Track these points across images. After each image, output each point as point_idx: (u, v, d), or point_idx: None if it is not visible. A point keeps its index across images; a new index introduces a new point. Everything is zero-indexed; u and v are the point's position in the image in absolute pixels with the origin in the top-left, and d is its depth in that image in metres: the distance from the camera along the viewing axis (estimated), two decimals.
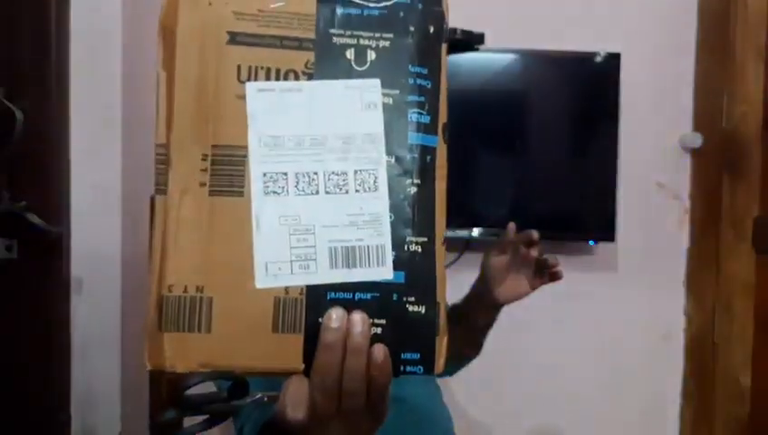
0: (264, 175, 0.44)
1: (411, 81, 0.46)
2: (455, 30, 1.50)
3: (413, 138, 0.46)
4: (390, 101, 0.45)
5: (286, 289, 0.43)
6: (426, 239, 0.45)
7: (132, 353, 1.27)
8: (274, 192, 0.44)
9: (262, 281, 0.43)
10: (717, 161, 1.68)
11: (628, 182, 1.61)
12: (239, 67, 0.45)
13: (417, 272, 0.45)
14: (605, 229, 1.57)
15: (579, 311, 1.69)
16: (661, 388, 1.73)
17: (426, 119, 0.46)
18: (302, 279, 0.43)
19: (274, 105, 0.44)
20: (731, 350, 1.68)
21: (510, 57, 1.57)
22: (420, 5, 0.47)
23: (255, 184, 0.44)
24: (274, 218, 0.44)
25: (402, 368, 0.47)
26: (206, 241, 0.44)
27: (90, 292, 1.24)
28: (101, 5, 1.24)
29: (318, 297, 0.44)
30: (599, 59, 1.57)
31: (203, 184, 0.44)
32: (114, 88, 1.25)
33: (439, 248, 0.46)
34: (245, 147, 0.44)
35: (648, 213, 1.67)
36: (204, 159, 0.44)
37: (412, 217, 0.45)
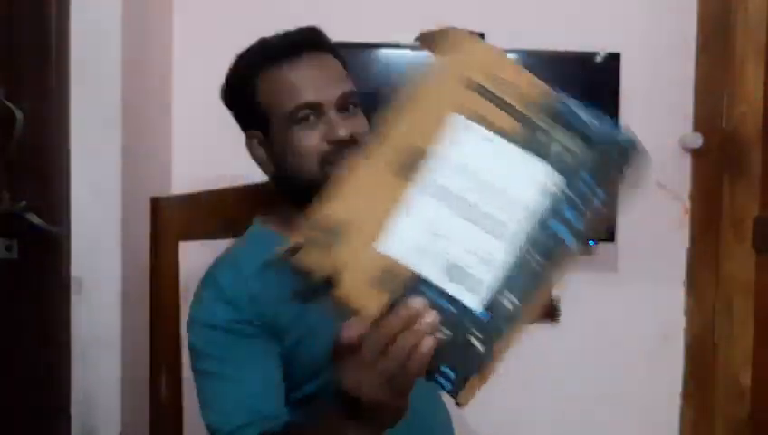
0: (437, 183, 0.54)
1: (581, 185, 0.54)
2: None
3: (560, 230, 0.54)
4: (557, 191, 0.54)
5: (398, 262, 0.53)
6: (518, 305, 0.53)
7: (132, 353, 1.27)
8: (435, 196, 0.54)
9: (385, 247, 0.54)
10: (717, 162, 1.68)
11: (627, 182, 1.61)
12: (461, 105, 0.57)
13: (497, 321, 0.53)
14: (605, 229, 1.57)
15: (579, 311, 1.69)
16: (661, 388, 1.73)
17: (579, 225, 0.54)
18: (412, 262, 0.53)
19: (472, 141, 0.55)
20: (731, 350, 1.68)
21: (509, 57, 1.57)
22: (624, 145, 0.58)
23: (424, 181, 0.54)
24: (423, 213, 0.54)
25: (435, 375, 0.54)
26: (370, 199, 0.55)
27: (90, 292, 1.24)
28: (101, 5, 1.24)
29: (415, 282, 0.53)
30: (599, 59, 1.57)
31: (389, 162, 0.55)
32: (114, 88, 1.24)
33: (523, 319, 0.54)
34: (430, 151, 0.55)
35: (648, 213, 1.67)
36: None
37: (522, 283, 0.53)
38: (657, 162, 1.78)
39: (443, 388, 0.54)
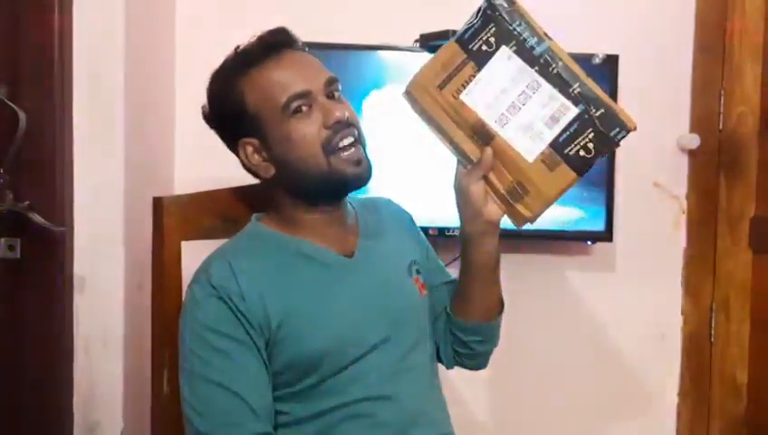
0: (496, 118, 0.89)
1: (516, 31, 0.88)
2: (454, 32, 1.51)
3: (536, 52, 0.88)
4: (515, 48, 0.87)
5: (542, 152, 0.88)
6: (578, 83, 0.85)
7: (135, 351, 1.28)
8: (504, 123, 0.89)
9: (530, 155, 0.88)
10: (714, 162, 1.70)
11: (625, 182, 1.62)
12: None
13: (586, 97, 0.85)
14: (603, 229, 1.58)
15: (577, 310, 1.70)
16: (658, 386, 1.74)
17: (533, 40, 0.88)
18: (546, 143, 0.88)
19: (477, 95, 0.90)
20: (727, 348, 1.70)
21: None
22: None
23: (495, 127, 0.90)
24: (515, 133, 0.88)
25: (615, 139, 0.86)
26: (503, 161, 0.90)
27: (92, 290, 1.25)
28: (104, 6, 1.25)
29: (555, 144, 0.87)
30: (597, 60, 1.58)
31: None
32: (116, 88, 1.25)
33: (587, 79, 0.86)
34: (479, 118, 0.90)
35: (645, 213, 1.68)
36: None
37: (563, 79, 0.86)
38: (655, 162, 1.81)
39: (625, 136, 0.87)
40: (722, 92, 1.68)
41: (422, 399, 1.00)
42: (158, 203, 1.08)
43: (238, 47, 0.99)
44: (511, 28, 0.86)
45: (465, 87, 0.87)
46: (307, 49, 1.01)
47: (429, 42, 1.55)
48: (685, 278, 1.73)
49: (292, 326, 0.92)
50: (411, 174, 1.53)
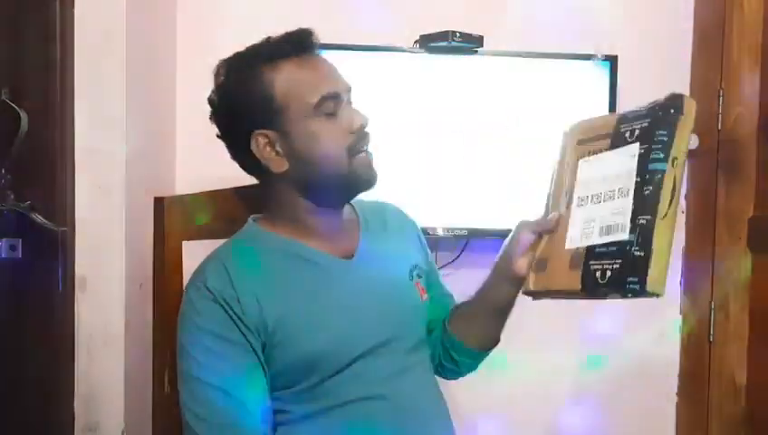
0: (579, 198, 0.90)
1: (656, 136, 0.84)
2: (454, 33, 1.52)
3: (653, 166, 0.82)
4: (642, 150, 0.84)
5: (577, 248, 0.87)
6: (649, 217, 0.81)
7: (136, 351, 1.28)
8: (578, 205, 0.89)
9: (569, 244, 0.88)
10: (713, 162, 1.70)
11: None
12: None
13: (643, 234, 0.81)
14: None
15: (576, 310, 1.70)
16: (658, 386, 1.74)
17: (659, 155, 0.82)
18: (584, 243, 0.86)
19: (586, 165, 0.92)
20: (726, 348, 1.70)
21: (508, 60, 1.58)
22: (667, 100, 0.89)
23: (573, 201, 0.90)
24: (579, 218, 0.88)
25: (627, 287, 0.80)
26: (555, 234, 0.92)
27: (94, 291, 1.25)
28: (105, 6, 1.25)
29: (590, 253, 0.85)
30: (596, 61, 1.58)
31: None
32: (118, 88, 1.26)
33: (659, 222, 0.81)
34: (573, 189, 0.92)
35: None
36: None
37: (644, 207, 0.81)
38: None
39: (637, 293, 0.80)
40: (720, 93, 1.68)
41: (421, 399, 1.00)
42: (159, 203, 1.08)
43: (268, 37, 0.99)
44: (658, 133, 0.84)
45: (590, 155, 0.90)
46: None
47: (429, 42, 1.55)
48: (683, 278, 1.73)
49: (289, 329, 0.92)
50: (413, 174, 1.54)
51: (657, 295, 0.82)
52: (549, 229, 0.91)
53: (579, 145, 0.93)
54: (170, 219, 1.08)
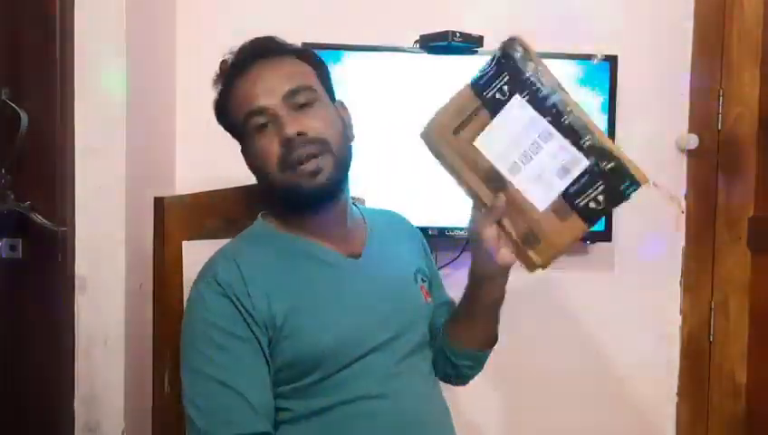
0: (508, 167, 0.88)
1: (528, 81, 0.87)
2: (454, 33, 1.52)
3: (547, 102, 0.86)
4: (528, 96, 0.87)
5: (553, 202, 0.87)
6: (589, 136, 0.85)
7: (136, 351, 1.28)
8: (516, 171, 0.88)
9: (542, 204, 0.87)
10: (713, 162, 1.70)
11: None
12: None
13: (598, 151, 0.84)
14: (602, 229, 1.59)
15: (576, 310, 1.71)
16: (658, 386, 1.74)
17: (546, 90, 0.86)
18: (556, 193, 0.87)
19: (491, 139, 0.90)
20: (727, 348, 1.70)
21: None
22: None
23: (508, 175, 0.88)
24: (526, 183, 0.87)
25: (625, 193, 0.85)
26: (515, 211, 0.89)
27: (94, 290, 1.25)
28: (105, 6, 1.25)
29: (566, 194, 0.87)
30: (596, 61, 1.58)
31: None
32: (118, 89, 1.25)
33: (597, 134, 0.85)
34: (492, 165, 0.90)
35: (644, 213, 1.68)
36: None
37: (574, 131, 0.85)
38: (654, 163, 1.81)
39: (635, 190, 0.86)
40: (720, 93, 1.68)
41: (422, 400, 1.00)
42: (159, 203, 1.08)
43: (223, 58, 1.01)
44: (524, 77, 0.86)
45: (479, 134, 0.88)
46: (297, 53, 1.02)
47: (429, 42, 1.55)
48: (684, 278, 1.73)
49: (296, 324, 0.92)
50: (413, 174, 1.54)
51: (647, 182, 0.86)
52: (501, 212, 0.88)
53: (455, 135, 0.89)
54: (170, 219, 1.08)
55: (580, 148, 0.85)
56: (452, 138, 0.89)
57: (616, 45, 1.61)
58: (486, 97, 0.87)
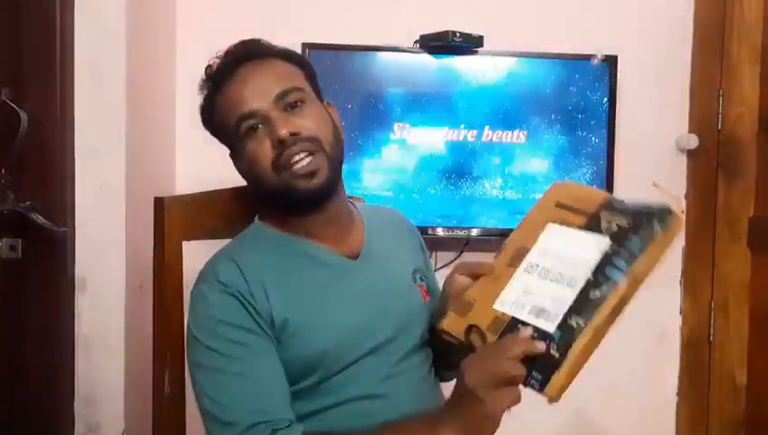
0: (530, 263, 0.83)
1: (628, 243, 0.78)
2: (454, 33, 1.52)
3: (611, 272, 0.77)
4: (609, 250, 0.78)
5: (503, 313, 0.81)
6: (581, 322, 0.75)
7: (136, 351, 1.28)
8: (527, 271, 0.83)
9: (499, 306, 0.82)
10: (713, 162, 1.70)
11: (624, 183, 1.62)
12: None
13: (567, 337, 0.75)
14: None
15: None
16: (658, 386, 1.74)
17: (621, 264, 0.77)
18: (514, 312, 0.80)
19: (553, 234, 0.85)
20: (726, 348, 1.70)
21: (508, 60, 1.59)
22: (657, 211, 0.81)
23: (523, 264, 0.83)
24: (520, 282, 0.82)
25: (529, 380, 0.76)
26: (495, 282, 0.84)
27: (94, 291, 1.25)
28: (105, 6, 1.25)
29: (515, 322, 0.79)
30: (596, 61, 1.59)
31: (507, 256, 0.86)
32: (118, 89, 1.26)
33: (588, 331, 0.75)
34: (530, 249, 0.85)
35: None
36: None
37: (585, 309, 0.76)
38: (654, 163, 1.81)
39: (535, 388, 0.76)
40: (720, 93, 1.68)
41: (421, 400, 1.00)
42: (159, 203, 1.08)
43: (208, 64, 1.00)
44: (630, 238, 0.78)
45: (561, 224, 0.84)
46: (284, 55, 1.00)
47: (429, 42, 1.55)
48: (683, 278, 1.73)
49: (295, 326, 0.92)
50: (413, 174, 1.54)
51: (551, 401, 0.75)
52: (483, 274, 0.86)
53: (557, 207, 0.86)
54: (170, 219, 1.08)
55: (566, 317, 0.76)
56: (554, 206, 0.87)
57: (616, 45, 1.61)
58: (599, 215, 0.81)
